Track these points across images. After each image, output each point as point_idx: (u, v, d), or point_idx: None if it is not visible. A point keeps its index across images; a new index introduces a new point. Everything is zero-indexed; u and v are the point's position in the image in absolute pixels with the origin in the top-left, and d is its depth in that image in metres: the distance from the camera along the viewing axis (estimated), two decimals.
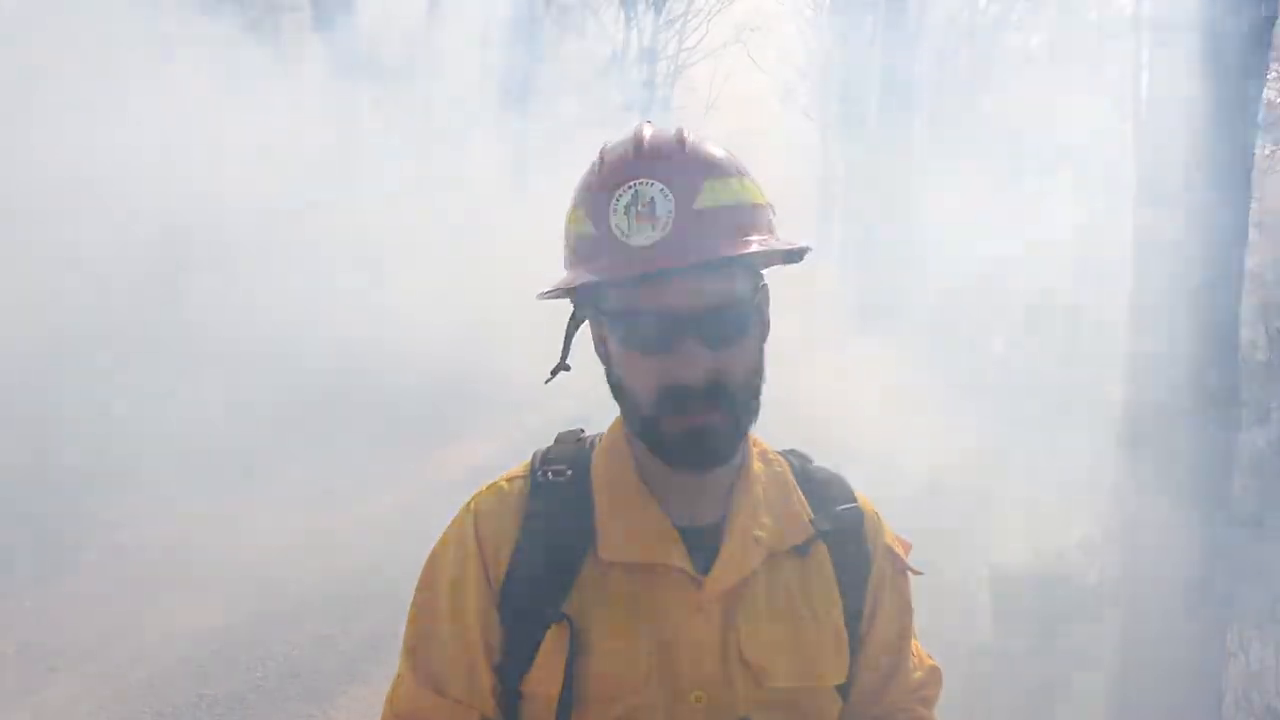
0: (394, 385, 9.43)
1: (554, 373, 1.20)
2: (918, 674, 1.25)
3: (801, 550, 1.15)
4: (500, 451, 7.67)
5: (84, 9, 7.93)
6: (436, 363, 9.41)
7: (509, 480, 1.18)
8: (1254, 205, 4.20)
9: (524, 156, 13.56)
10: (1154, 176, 3.60)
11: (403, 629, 1.18)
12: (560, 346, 1.18)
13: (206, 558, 6.04)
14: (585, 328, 1.19)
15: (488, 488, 1.19)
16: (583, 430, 1.24)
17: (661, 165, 1.04)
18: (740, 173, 1.08)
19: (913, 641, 1.26)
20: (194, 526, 6.60)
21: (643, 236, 1.02)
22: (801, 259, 1.14)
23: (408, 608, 1.18)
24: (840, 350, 10.13)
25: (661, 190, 1.02)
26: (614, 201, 1.03)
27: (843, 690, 1.16)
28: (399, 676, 1.16)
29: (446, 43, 12.22)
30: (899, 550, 1.24)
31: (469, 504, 1.18)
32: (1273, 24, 3.43)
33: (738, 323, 1.06)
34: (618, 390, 1.11)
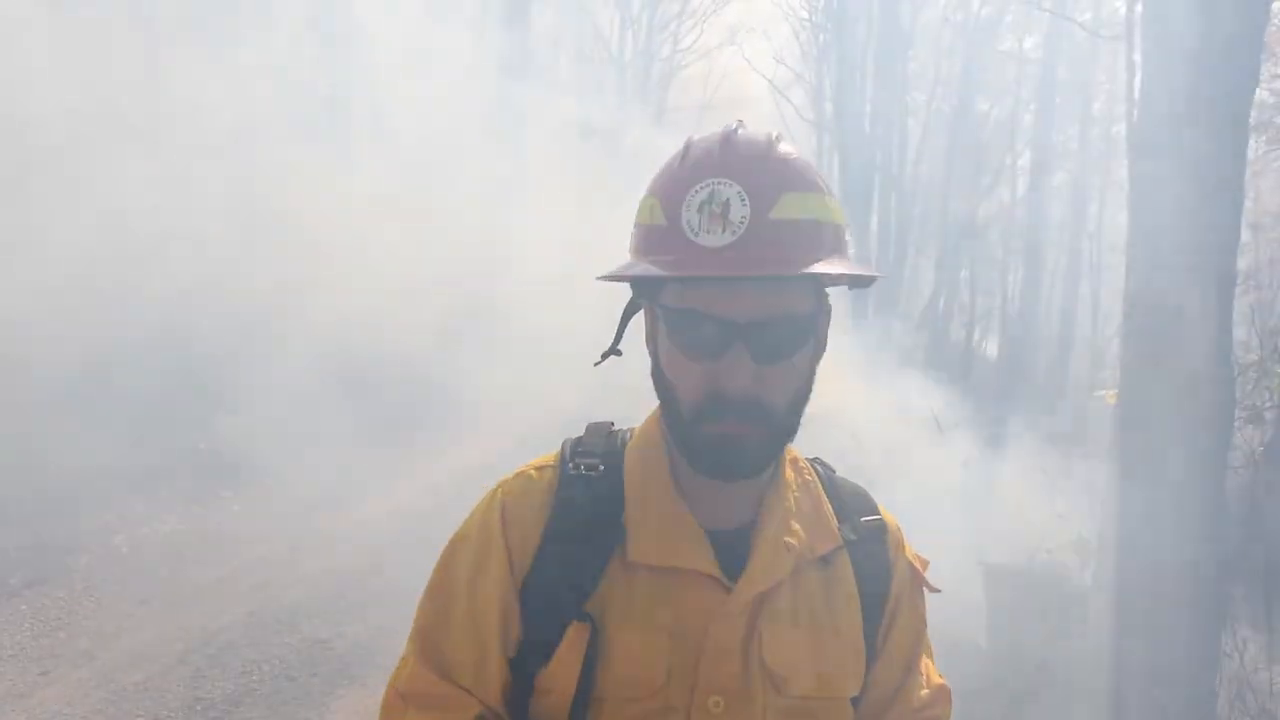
0: (391, 385, 9.41)
1: (604, 356, 1.19)
2: (923, 692, 1.21)
3: (826, 560, 1.14)
4: (499, 453, 7.67)
5: None
6: (434, 363, 9.39)
7: (538, 469, 1.15)
8: (1247, 206, 4.23)
9: (521, 157, 13.52)
10: (1148, 175, 3.63)
11: (400, 631, 1.16)
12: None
13: (202, 560, 6.03)
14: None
15: (515, 475, 1.16)
16: (613, 423, 1.21)
17: (744, 168, 1.01)
18: (823, 190, 1.04)
19: (924, 659, 1.23)
20: (190, 529, 6.59)
21: (713, 238, 0.98)
22: (870, 284, 1.11)
23: (409, 606, 1.16)
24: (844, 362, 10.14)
25: (739, 193, 0.99)
26: (689, 197, 1.00)
27: (855, 702, 1.15)
28: (404, 659, 1.13)
29: (438, 42, 12.20)
30: (918, 566, 1.22)
31: (495, 490, 1.15)
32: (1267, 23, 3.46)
33: (790, 339, 1.03)
34: (661, 386, 1.09)
